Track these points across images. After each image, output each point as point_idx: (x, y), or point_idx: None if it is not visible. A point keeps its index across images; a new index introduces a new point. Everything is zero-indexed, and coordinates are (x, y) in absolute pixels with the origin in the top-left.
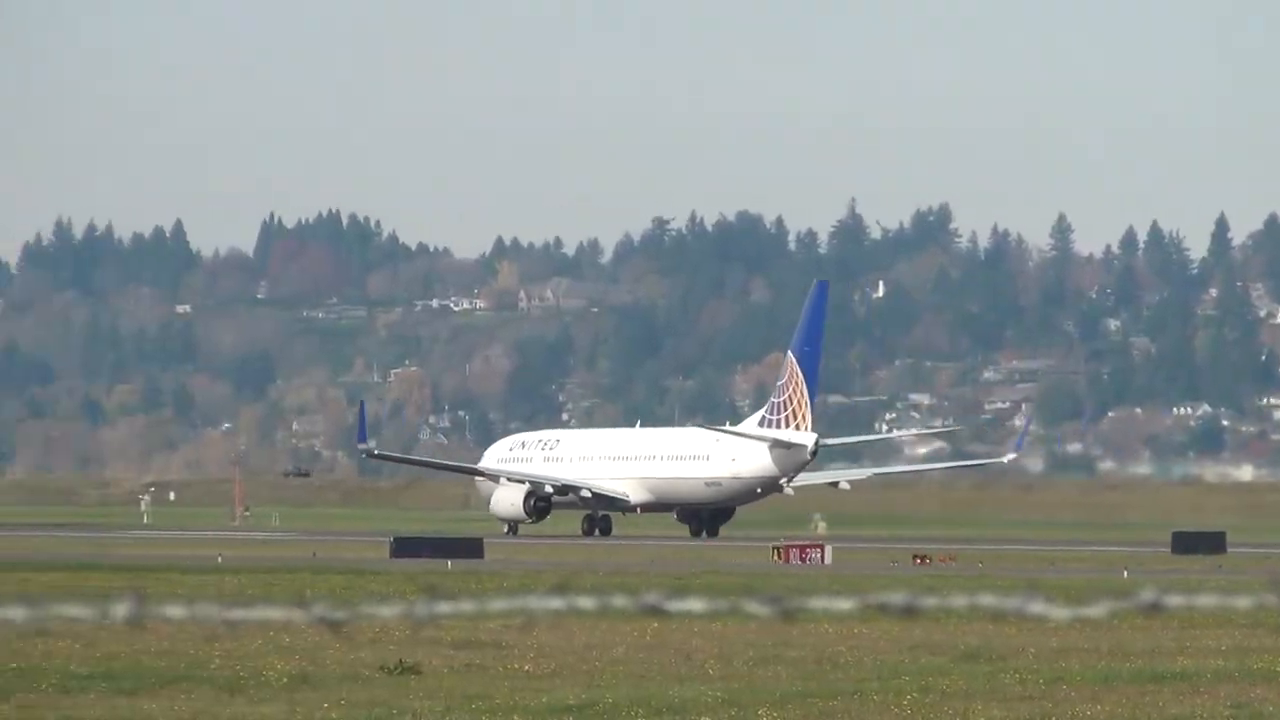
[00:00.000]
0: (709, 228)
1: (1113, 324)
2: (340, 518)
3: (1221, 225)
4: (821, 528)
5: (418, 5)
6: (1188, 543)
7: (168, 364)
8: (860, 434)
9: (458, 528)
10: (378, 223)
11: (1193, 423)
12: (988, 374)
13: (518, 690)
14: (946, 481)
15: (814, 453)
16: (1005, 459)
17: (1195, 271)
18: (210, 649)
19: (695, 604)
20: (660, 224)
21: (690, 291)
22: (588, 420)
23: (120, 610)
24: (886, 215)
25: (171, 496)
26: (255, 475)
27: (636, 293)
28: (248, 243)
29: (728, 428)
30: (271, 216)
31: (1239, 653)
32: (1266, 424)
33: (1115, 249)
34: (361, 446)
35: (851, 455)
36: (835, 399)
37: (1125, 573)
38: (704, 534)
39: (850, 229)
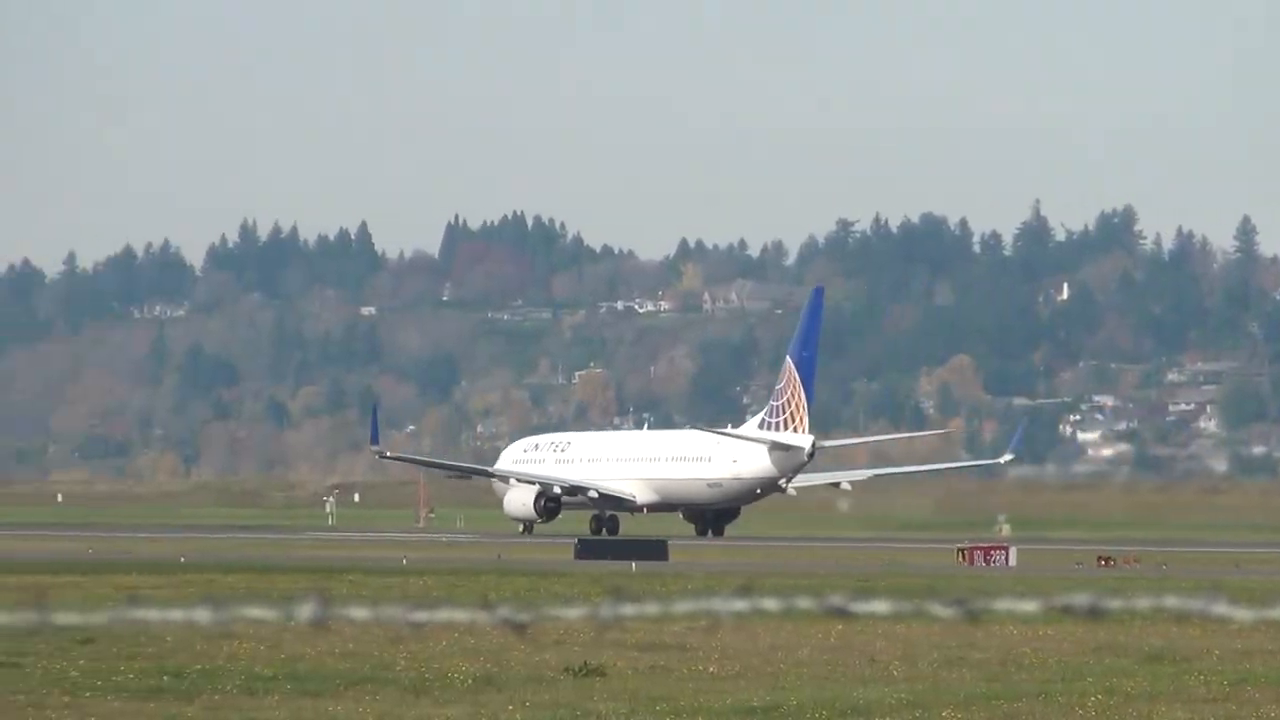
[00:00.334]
0: (893, 229)
1: None
2: None
3: None
4: (1006, 530)
5: (608, 5)
6: None
7: (352, 366)
8: (1044, 437)
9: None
10: (562, 224)
11: None
12: (1172, 376)
13: (702, 692)
14: (1130, 483)
15: (811, 454)
16: (1002, 459)
17: None
18: (395, 651)
19: (880, 606)
20: (844, 225)
21: (874, 293)
22: None
23: (305, 612)
24: (1071, 217)
25: (356, 498)
26: (439, 477)
27: None
28: (432, 245)
29: (729, 430)
30: (456, 218)
31: None
32: None
33: None
34: (374, 449)
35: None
36: (1019, 401)
37: None
38: (709, 533)
39: (1035, 231)
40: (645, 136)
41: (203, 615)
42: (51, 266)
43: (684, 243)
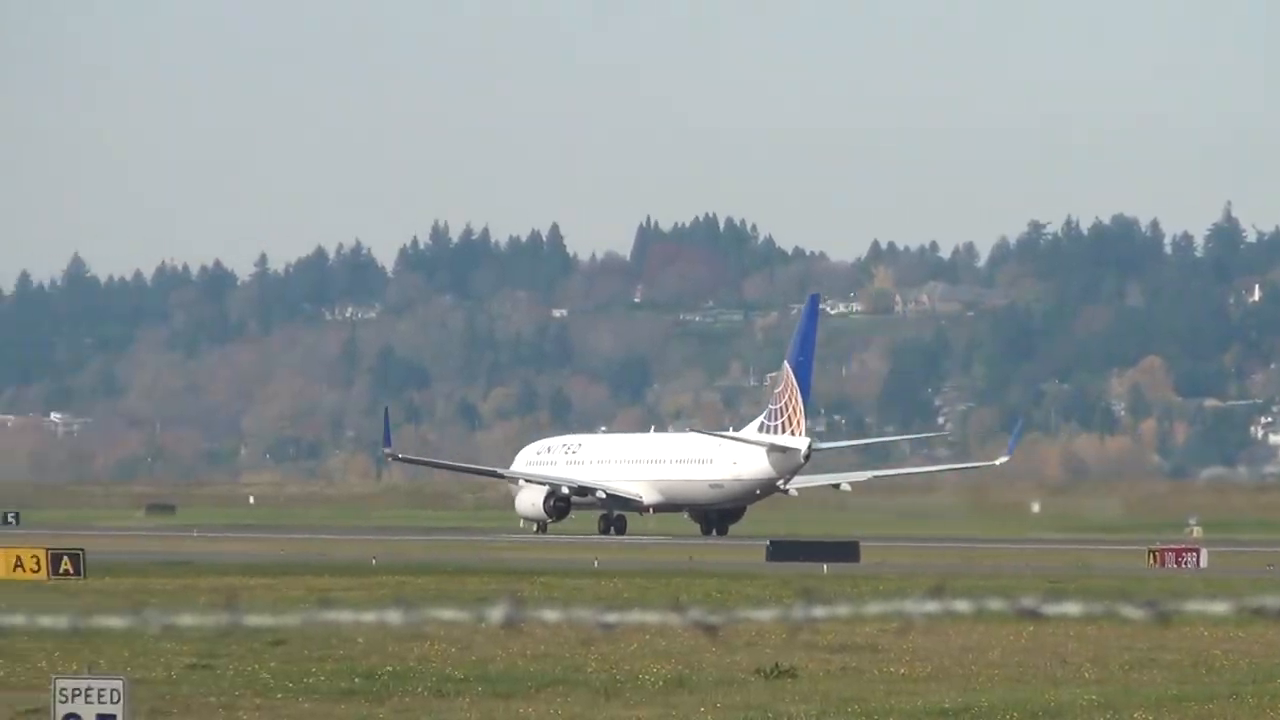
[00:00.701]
0: (1084, 231)
1: None
2: None
3: None
4: (1196, 532)
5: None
6: None
7: (543, 367)
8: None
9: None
10: (754, 226)
11: None
12: None
13: (893, 693)
14: None
15: (807, 456)
16: (997, 461)
17: None
18: (586, 652)
19: (1071, 607)
20: (1036, 227)
21: (1065, 295)
22: (963, 424)
23: (496, 613)
24: (1263, 218)
25: None
26: None
27: (1011, 296)
28: (624, 246)
29: (730, 433)
30: (648, 220)
31: None
32: None
33: None
34: (386, 451)
35: (1224, 459)
36: (1210, 403)
37: None
38: (714, 533)
39: (1226, 232)
40: (837, 138)
41: (394, 617)
42: (243, 268)
43: (875, 244)
